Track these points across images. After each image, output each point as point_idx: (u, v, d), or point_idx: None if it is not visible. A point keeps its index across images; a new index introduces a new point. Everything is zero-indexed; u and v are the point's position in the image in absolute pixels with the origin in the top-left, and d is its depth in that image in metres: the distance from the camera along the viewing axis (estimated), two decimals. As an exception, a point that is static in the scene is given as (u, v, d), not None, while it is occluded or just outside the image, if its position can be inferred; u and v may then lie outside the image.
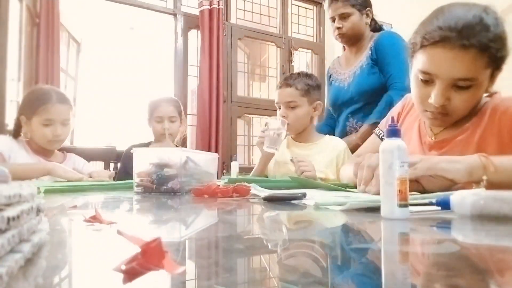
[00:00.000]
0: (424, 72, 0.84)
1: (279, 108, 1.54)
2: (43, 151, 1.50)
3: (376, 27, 1.73)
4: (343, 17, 1.63)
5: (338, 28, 1.64)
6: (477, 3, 0.84)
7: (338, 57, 1.90)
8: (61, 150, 1.61)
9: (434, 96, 0.83)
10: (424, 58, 0.83)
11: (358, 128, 1.63)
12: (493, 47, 0.78)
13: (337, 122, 1.78)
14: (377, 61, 1.60)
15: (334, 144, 1.54)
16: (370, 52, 1.61)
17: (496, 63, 0.82)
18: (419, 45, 0.84)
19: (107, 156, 2.00)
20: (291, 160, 1.39)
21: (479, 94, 0.85)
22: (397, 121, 1.08)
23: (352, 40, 1.68)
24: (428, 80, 0.84)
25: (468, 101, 0.84)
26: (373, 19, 1.71)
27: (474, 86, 0.82)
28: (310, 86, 1.52)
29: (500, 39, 0.80)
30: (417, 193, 0.77)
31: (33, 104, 1.45)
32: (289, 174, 1.41)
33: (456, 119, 0.89)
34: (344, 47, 1.84)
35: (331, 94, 1.79)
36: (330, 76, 1.84)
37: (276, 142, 1.40)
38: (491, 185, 0.67)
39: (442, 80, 0.82)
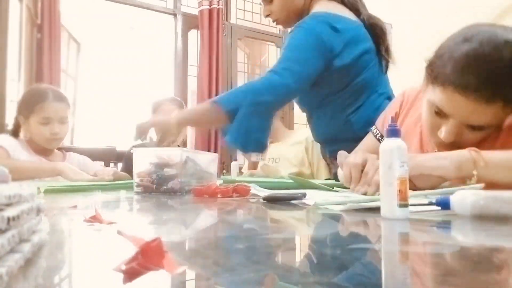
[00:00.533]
0: (438, 111, 0.79)
1: None
2: (44, 151, 1.50)
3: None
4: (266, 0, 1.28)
5: (268, 15, 1.32)
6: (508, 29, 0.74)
7: None
8: (60, 149, 1.61)
9: (445, 133, 0.79)
10: (443, 96, 0.77)
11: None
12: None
13: None
14: None
15: (300, 138, 1.60)
16: None
17: None
18: (440, 80, 0.77)
19: (107, 156, 2.00)
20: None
21: (492, 130, 0.81)
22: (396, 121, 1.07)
23: (294, 21, 1.26)
24: (441, 114, 0.79)
25: (481, 138, 0.80)
26: None
27: (490, 128, 0.78)
28: None
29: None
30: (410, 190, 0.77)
31: (29, 103, 1.45)
32: (276, 174, 1.46)
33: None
34: None
35: None
36: None
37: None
38: (481, 180, 0.67)
39: (457, 121, 0.77)
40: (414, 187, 0.76)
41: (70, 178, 1.29)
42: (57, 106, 1.46)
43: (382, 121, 1.14)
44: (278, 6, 1.26)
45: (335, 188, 0.94)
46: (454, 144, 0.79)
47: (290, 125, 3.37)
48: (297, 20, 1.22)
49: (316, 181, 1.08)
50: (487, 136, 0.83)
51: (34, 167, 1.32)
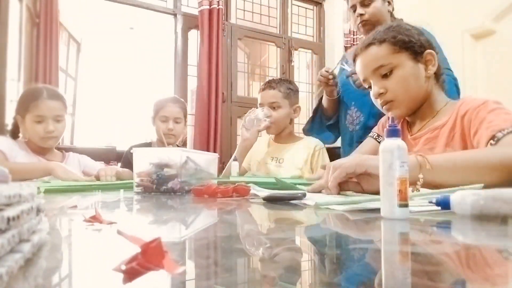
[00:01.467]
0: (364, 81, 1.02)
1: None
2: (42, 150, 1.50)
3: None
4: (365, 4, 1.51)
5: (361, 15, 1.51)
6: None
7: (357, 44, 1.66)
8: (60, 149, 1.60)
9: (372, 92, 0.99)
10: (357, 72, 1.04)
11: (357, 120, 1.52)
12: (389, 36, 0.95)
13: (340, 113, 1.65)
14: None
15: (309, 144, 1.63)
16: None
17: (405, 47, 0.94)
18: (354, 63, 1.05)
19: (107, 156, 2.00)
20: None
21: (408, 76, 0.95)
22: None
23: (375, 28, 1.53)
24: (370, 86, 1.00)
25: (397, 83, 0.95)
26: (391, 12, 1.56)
27: (396, 69, 0.95)
28: (291, 90, 1.65)
29: (393, 35, 0.95)
30: (354, 192, 0.80)
31: (25, 102, 1.45)
32: (269, 174, 1.48)
33: (403, 101, 0.97)
34: (345, 47, 1.77)
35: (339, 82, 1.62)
36: (344, 62, 1.65)
37: (253, 125, 1.59)
38: (428, 183, 0.74)
39: (370, 78, 0.99)
40: (361, 190, 0.80)
41: (60, 178, 1.27)
42: (52, 104, 1.45)
43: (381, 125, 1.18)
44: (373, 9, 1.51)
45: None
46: (388, 99, 0.97)
47: (295, 127, 3.37)
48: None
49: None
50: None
51: (26, 168, 1.31)
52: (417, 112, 1.01)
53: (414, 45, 0.95)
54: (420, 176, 0.72)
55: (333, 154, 1.66)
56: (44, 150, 1.50)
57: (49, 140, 1.47)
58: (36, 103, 1.42)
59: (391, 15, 1.57)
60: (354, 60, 1.05)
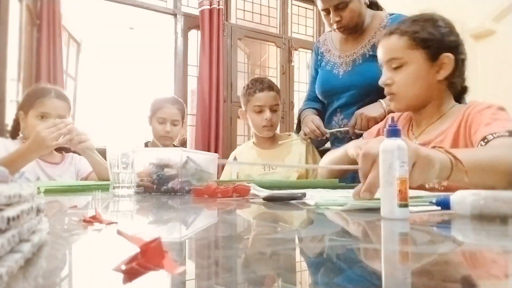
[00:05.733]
0: (380, 65, 1.04)
1: (259, 112, 1.55)
2: None
3: (373, 3, 1.46)
4: (339, 8, 1.33)
5: (337, 21, 1.36)
6: None
7: (331, 31, 1.54)
8: (60, 150, 1.58)
9: (381, 78, 1.02)
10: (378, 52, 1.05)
11: (342, 126, 1.40)
12: (412, 30, 0.95)
13: (325, 114, 1.53)
14: None
15: (296, 141, 1.57)
16: (376, 39, 1.30)
17: (423, 46, 0.94)
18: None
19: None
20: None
21: (415, 74, 0.96)
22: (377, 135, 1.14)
23: (355, 29, 1.39)
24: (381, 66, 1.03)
25: (405, 79, 0.97)
26: None
27: (406, 65, 0.96)
28: (279, 91, 1.64)
29: (416, 30, 0.96)
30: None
31: (31, 98, 1.44)
32: (251, 175, 1.47)
33: (404, 97, 0.99)
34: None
35: (321, 79, 1.51)
36: (320, 55, 1.56)
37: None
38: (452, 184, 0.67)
39: (383, 65, 1.02)
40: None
41: (47, 142, 1.23)
42: (57, 103, 1.45)
43: (368, 133, 1.20)
44: (350, 13, 1.35)
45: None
46: (392, 91, 0.99)
47: (290, 126, 3.37)
48: (359, 28, 1.41)
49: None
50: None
51: (15, 157, 1.27)
52: (422, 112, 1.01)
53: (432, 44, 0.94)
54: (444, 182, 0.66)
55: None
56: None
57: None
58: (43, 100, 1.42)
59: (369, 5, 1.44)
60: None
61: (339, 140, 1.45)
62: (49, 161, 1.48)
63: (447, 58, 0.94)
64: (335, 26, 1.39)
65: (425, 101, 0.99)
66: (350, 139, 1.26)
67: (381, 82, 1.02)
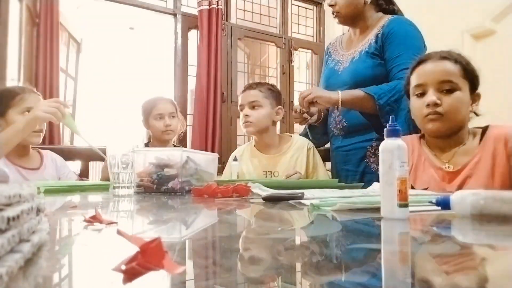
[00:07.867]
0: (418, 86, 1.04)
1: (241, 111, 1.58)
2: (19, 152, 1.41)
3: (388, 9, 1.48)
4: None
5: (332, 5, 1.43)
6: None
7: (343, 34, 1.62)
8: (35, 148, 1.50)
9: (428, 98, 1.01)
10: (416, 75, 1.06)
11: (340, 125, 1.45)
12: (463, 61, 1.02)
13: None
14: (381, 49, 1.38)
15: (299, 146, 1.57)
16: (374, 39, 1.39)
17: (469, 77, 1.01)
18: (411, 70, 1.08)
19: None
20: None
21: (463, 101, 1.01)
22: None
23: (350, 19, 1.46)
24: (422, 93, 1.03)
25: (455, 103, 1.00)
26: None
27: (458, 91, 1.00)
28: (272, 91, 1.61)
29: (466, 62, 1.03)
30: None
31: (4, 99, 1.39)
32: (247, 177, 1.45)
33: (450, 120, 1.01)
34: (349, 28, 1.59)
35: (324, 75, 1.59)
36: (329, 54, 1.62)
37: None
38: None
39: (431, 86, 1.02)
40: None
41: (44, 115, 1.20)
42: (37, 97, 1.43)
43: None
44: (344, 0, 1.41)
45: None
46: (439, 112, 0.99)
47: (290, 126, 3.37)
48: (357, 21, 1.46)
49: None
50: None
51: (13, 133, 1.22)
52: (452, 137, 1.04)
53: (475, 80, 1.04)
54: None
55: (326, 156, 1.64)
56: (22, 151, 1.42)
57: (34, 137, 1.39)
58: (23, 96, 1.37)
59: (387, 3, 1.48)
60: (421, 63, 1.06)
61: (335, 138, 1.49)
62: (28, 167, 1.43)
63: (479, 95, 1.05)
64: (331, 10, 1.46)
65: (461, 127, 1.04)
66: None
67: (428, 101, 1.00)
